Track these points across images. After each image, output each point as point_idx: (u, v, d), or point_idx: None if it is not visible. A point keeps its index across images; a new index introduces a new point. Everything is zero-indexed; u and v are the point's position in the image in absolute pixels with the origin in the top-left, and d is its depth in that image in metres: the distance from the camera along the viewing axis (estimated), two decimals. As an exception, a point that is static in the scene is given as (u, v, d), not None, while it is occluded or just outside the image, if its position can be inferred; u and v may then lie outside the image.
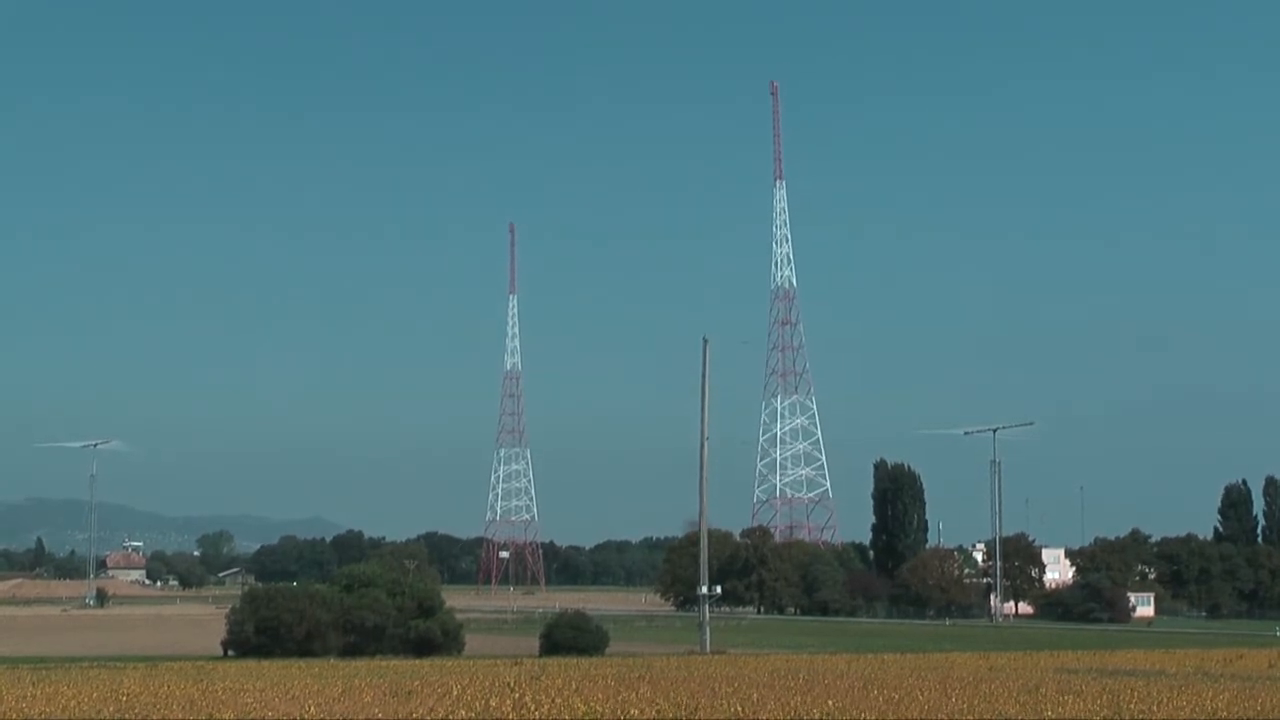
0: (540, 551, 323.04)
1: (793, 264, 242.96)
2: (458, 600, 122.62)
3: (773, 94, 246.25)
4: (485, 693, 41.79)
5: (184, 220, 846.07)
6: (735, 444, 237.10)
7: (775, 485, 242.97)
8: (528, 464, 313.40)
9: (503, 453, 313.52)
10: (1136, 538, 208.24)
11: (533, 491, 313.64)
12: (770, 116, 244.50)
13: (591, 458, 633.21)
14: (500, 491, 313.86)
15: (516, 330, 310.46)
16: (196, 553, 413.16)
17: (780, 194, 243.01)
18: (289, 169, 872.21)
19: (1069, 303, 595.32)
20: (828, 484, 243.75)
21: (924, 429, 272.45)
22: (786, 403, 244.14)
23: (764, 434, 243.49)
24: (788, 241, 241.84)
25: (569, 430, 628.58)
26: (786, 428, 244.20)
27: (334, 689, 44.56)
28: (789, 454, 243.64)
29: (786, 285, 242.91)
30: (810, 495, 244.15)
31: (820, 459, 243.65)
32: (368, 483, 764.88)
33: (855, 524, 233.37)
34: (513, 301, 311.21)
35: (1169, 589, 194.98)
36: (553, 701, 37.89)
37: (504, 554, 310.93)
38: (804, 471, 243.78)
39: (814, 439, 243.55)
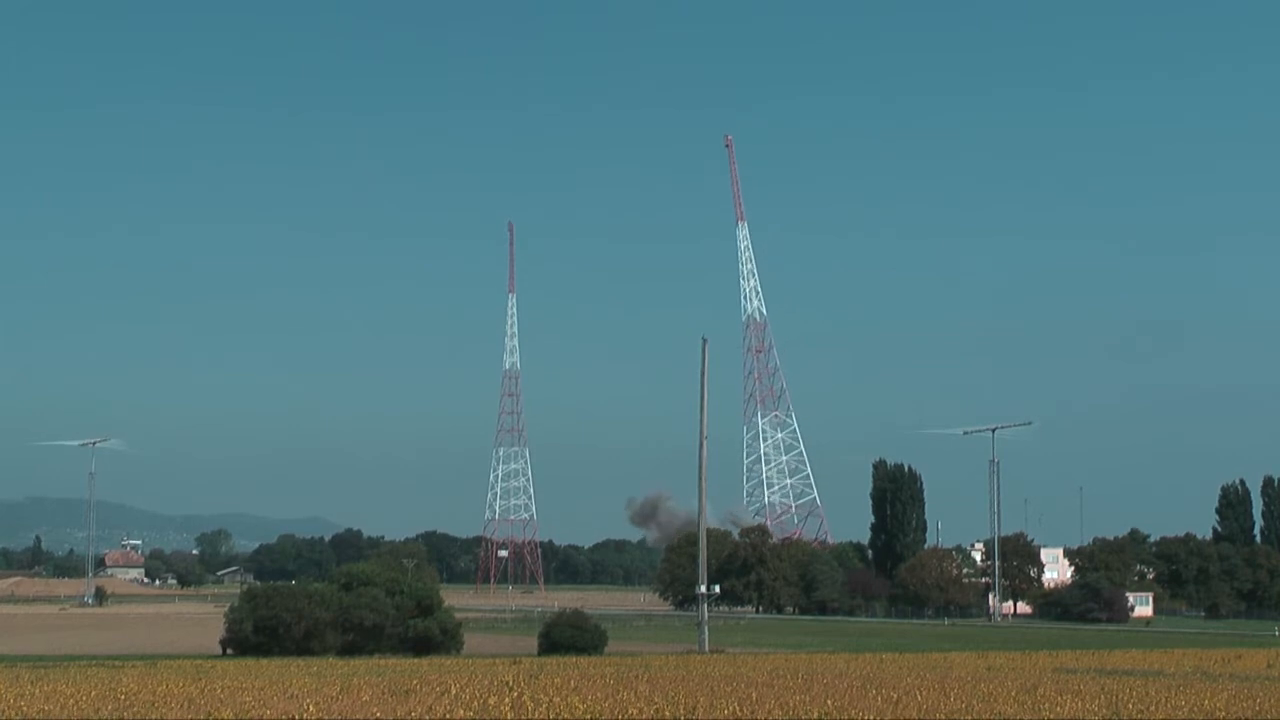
0: (539, 551, 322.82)
1: (761, 295, 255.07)
2: (456, 599, 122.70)
3: (727, 146, 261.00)
4: (484, 692, 41.79)
5: (183, 221, 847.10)
6: (733, 445, 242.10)
7: (764, 500, 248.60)
8: (526, 463, 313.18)
9: (502, 452, 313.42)
10: (1135, 537, 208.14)
11: (531, 491, 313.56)
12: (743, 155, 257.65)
13: (590, 457, 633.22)
14: (499, 491, 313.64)
15: (515, 330, 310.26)
16: (195, 551, 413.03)
17: (743, 233, 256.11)
18: (290, 169, 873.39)
19: (1068, 303, 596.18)
20: (815, 493, 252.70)
21: (923, 429, 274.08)
22: (766, 419, 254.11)
23: (748, 456, 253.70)
24: (754, 276, 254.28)
25: (568, 430, 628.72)
26: (769, 442, 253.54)
27: (332, 688, 44.55)
28: (774, 467, 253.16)
29: (757, 316, 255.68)
30: (798, 503, 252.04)
31: (806, 470, 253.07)
32: (366, 482, 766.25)
33: (854, 524, 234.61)
34: (512, 301, 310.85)
35: (1167, 589, 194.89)
36: (551, 700, 37.89)
37: (503, 553, 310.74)
38: (790, 482, 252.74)
39: (796, 451, 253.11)
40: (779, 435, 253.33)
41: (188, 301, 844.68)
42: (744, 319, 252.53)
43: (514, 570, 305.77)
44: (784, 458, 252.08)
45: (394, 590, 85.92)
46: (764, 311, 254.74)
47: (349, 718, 34.69)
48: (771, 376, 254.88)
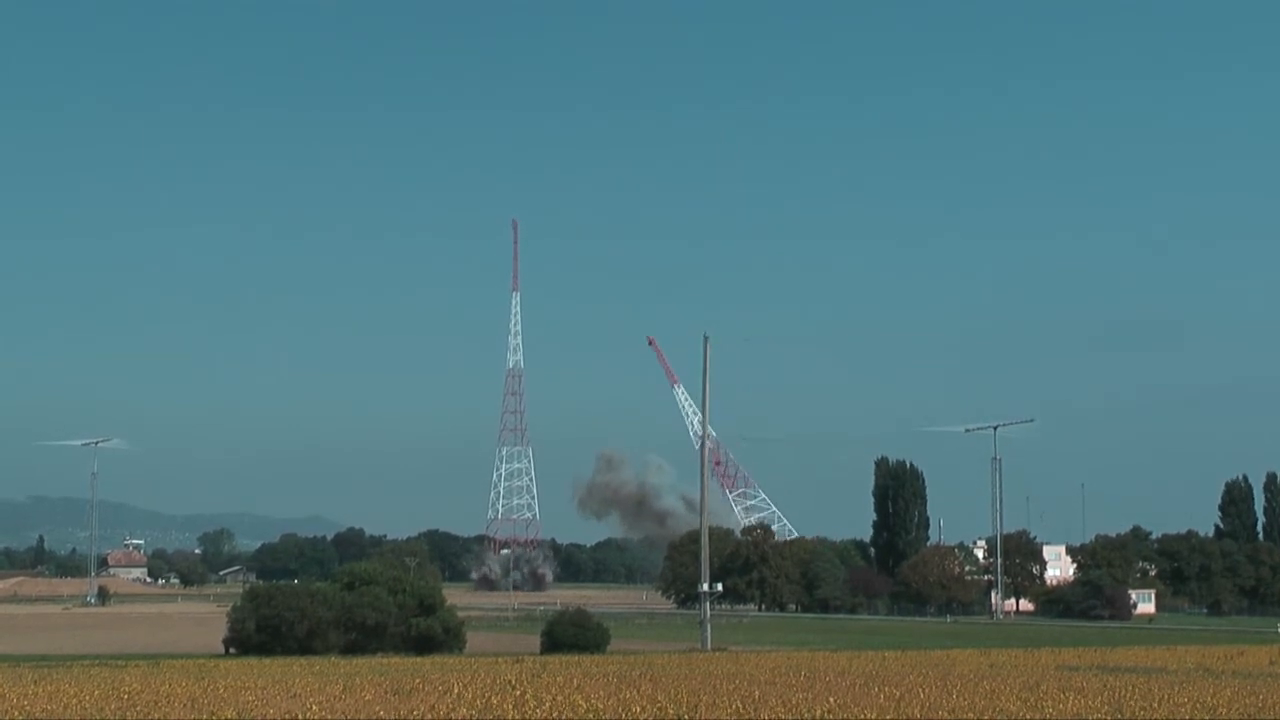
0: (541, 552, 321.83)
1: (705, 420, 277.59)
2: (458, 598, 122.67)
3: (651, 344, 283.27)
4: (486, 691, 41.81)
5: (186, 219, 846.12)
6: (732, 441, 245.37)
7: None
8: (529, 462, 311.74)
9: (505, 451, 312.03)
10: (1137, 534, 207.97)
11: (534, 490, 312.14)
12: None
13: (593, 455, 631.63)
14: (502, 490, 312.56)
15: (519, 328, 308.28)
16: (198, 551, 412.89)
17: (680, 391, 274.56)
18: (290, 168, 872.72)
19: (1069, 300, 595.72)
20: (791, 528, 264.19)
21: (925, 426, 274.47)
22: (735, 495, 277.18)
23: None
24: (696, 415, 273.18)
25: (570, 427, 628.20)
26: (740, 509, 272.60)
27: (335, 687, 44.57)
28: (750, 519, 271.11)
29: (712, 445, 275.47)
30: (783, 539, 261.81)
31: (784, 521, 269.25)
32: (368, 481, 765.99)
33: (856, 521, 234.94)
34: (515, 299, 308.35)
35: (1170, 586, 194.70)
36: (554, 699, 37.90)
37: (505, 551, 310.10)
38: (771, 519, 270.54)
39: (770, 512, 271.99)
40: (750, 503, 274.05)
41: (189, 301, 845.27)
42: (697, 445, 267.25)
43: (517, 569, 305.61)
44: (754, 517, 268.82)
45: (396, 589, 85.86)
46: (714, 434, 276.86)
47: (352, 717, 34.71)
48: (734, 473, 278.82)
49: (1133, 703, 37.92)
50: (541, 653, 79.77)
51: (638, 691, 41.12)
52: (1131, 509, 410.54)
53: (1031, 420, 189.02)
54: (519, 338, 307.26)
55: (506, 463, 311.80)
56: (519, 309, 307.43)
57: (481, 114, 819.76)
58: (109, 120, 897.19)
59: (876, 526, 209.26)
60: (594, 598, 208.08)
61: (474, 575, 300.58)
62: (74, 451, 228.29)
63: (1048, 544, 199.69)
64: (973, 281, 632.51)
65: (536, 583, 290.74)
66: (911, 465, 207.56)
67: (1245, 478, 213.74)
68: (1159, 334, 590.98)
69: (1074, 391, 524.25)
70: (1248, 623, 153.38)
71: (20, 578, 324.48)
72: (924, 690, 42.02)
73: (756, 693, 41.03)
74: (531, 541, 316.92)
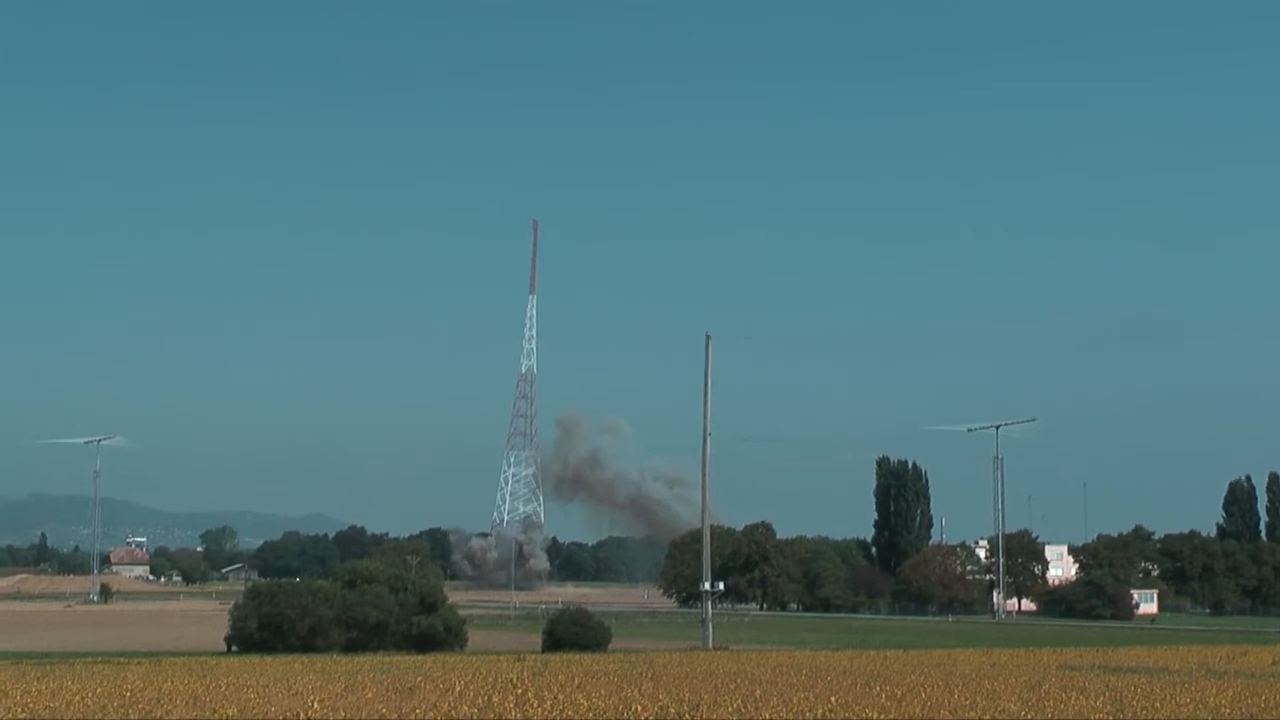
0: (536, 535, 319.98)
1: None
2: (460, 597, 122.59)
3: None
4: (488, 689, 41.79)
5: (189, 218, 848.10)
6: (734, 441, 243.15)
7: None
8: (537, 466, 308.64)
9: (512, 455, 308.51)
10: (1139, 534, 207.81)
11: (541, 495, 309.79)
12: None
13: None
14: (508, 493, 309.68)
15: (534, 331, 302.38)
16: (200, 548, 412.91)
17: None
18: (301, 167, 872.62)
19: (1072, 299, 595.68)
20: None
21: (927, 425, 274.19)
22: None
23: None
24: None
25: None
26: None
27: (337, 685, 44.56)
28: None
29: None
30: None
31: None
32: (371, 479, 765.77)
33: (857, 520, 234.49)
34: (532, 301, 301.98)
35: (1172, 586, 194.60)
36: (555, 698, 37.89)
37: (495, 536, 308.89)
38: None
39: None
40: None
41: (192, 298, 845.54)
42: None
43: (516, 571, 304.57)
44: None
45: (398, 587, 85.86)
46: None
47: (353, 715, 34.70)
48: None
49: (1135, 703, 37.89)
50: (543, 651, 79.76)
51: (639, 690, 41.11)
52: (1134, 508, 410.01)
53: (1033, 420, 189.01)
54: (534, 341, 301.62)
55: (514, 466, 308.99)
56: (535, 312, 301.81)
57: (481, 114, 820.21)
58: (109, 120, 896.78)
59: (878, 526, 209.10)
60: (595, 596, 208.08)
61: (461, 572, 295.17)
62: (76, 449, 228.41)
63: (1050, 543, 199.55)
64: (973, 281, 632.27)
65: (529, 579, 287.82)
66: (913, 465, 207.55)
67: (1248, 477, 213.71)
68: (1159, 334, 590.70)
69: (1076, 391, 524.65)
70: (1250, 623, 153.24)
71: (23, 575, 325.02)
72: (925, 690, 42.00)
73: (758, 692, 41.00)
74: (530, 538, 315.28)
